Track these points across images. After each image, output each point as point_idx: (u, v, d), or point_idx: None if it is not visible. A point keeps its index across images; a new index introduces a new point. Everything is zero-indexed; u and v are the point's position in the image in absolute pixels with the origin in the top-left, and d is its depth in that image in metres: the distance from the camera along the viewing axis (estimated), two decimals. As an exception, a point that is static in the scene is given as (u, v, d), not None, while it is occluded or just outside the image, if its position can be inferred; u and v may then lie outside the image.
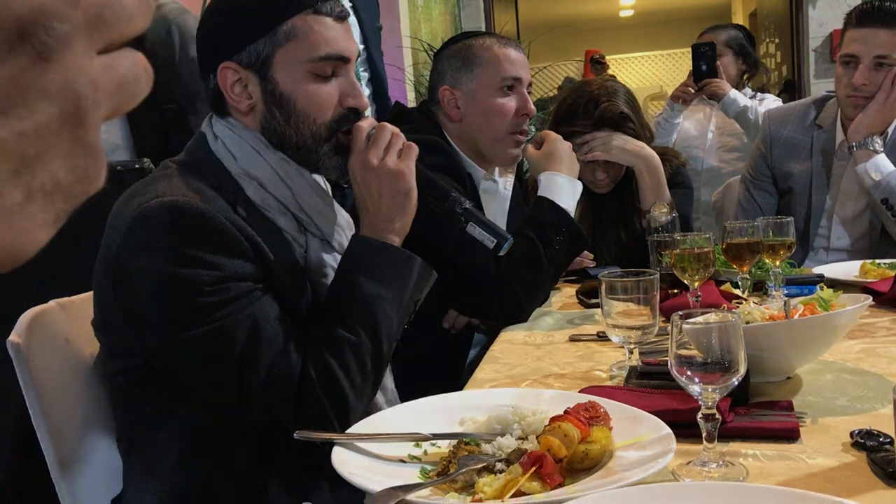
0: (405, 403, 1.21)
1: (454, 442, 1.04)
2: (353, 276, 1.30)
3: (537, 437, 0.97)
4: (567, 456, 0.94)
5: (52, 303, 1.37)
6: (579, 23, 10.36)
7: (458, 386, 1.37)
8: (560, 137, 2.01)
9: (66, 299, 1.41)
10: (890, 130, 2.32)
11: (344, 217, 1.47)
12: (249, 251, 1.23)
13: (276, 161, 1.34)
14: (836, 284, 1.84)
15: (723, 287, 1.77)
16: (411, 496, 0.87)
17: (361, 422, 1.11)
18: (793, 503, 0.76)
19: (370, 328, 1.27)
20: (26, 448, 1.35)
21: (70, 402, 1.34)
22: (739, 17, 9.36)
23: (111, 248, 1.21)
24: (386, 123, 1.38)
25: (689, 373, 0.95)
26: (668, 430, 0.97)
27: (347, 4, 1.34)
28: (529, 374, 1.43)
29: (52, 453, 1.28)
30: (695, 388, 0.95)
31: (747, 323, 1.25)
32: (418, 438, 1.06)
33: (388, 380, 1.49)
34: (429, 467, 1.01)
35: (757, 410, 1.10)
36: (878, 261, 2.03)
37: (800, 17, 5.49)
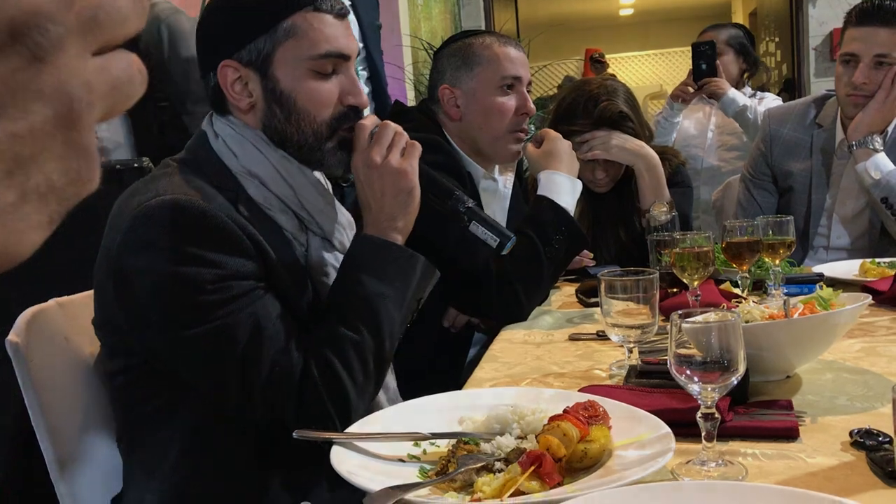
0: (404, 402, 1.21)
1: (453, 441, 1.04)
2: (355, 274, 1.30)
3: (536, 437, 0.97)
4: (566, 455, 0.94)
5: (51, 302, 1.37)
6: (579, 21, 10.36)
7: (458, 385, 1.37)
8: (560, 136, 2.01)
9: (65, 298, 1.41)
10: (890, 129, 2.32)
11: (345, 216, 1.47)
12: (251, 249, 1.23)
13: (277, 159, 1.34)
14: (836, 283, 1.85)
15: (722, 286, 1.77)
16: (410, 495, 0.87)
17: (360, 421, 1.11)
18: (792, 502, 0.76)
19: (373, 326, 1.27)
20: (26, 448, 1.35)
21: (69, 401, 1.34)
22: (739, 16, 9.36)
23: (112, 247, 1.21)
24: (389, 122, 1.38)
25: (688, 372, 0.95)
26: (667, 429, 0.97)
27: (347, 2, 1.34)
28: (529, 373, 1.43)
29: (51, 453, 1.28)
30: (694, 388, 0.95)
31: (747, 322, 1.25)
32: (417, 438, 1.06)
33: (391, 379, 1.49)
34: (428, 466, 1.01)
35: (756, 409, 1.10)
36: (877, 260, 2.03)
37: (800, 15, 5.49)
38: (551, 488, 0.89)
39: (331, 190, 1.46)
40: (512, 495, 0.87)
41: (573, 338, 1.65)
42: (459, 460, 0.96)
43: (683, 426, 0.99)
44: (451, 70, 2.00)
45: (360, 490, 0.89)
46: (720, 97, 3.36)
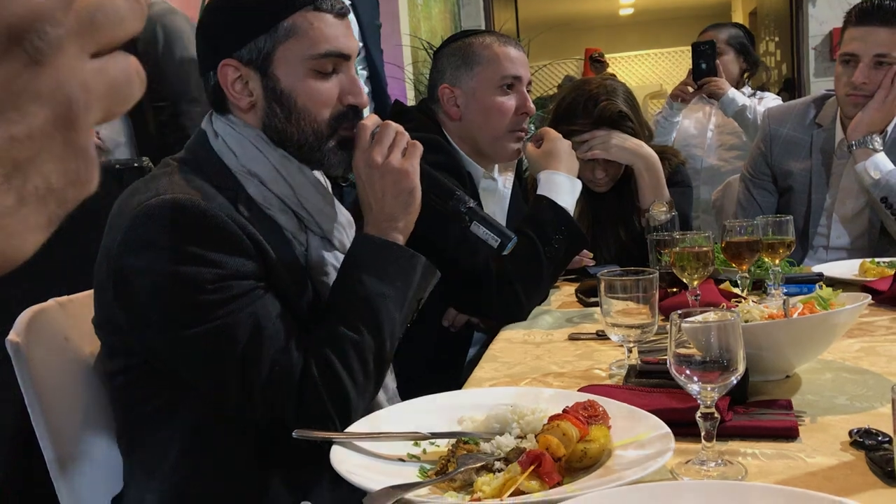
0: (404, 402, 1.21)
1: (453, 441, 1.04)
2: (356, 274, 1.30)
3: (536, 436, 0.98)
4: (566, 455, 0.94)
5: (51, 301, 1.37)
6: (579, 21, 10.37)
7: (458, 385, 1.37)
8: (559, 135, 2.01)
9: (65, 298, 1.41)
10: (889, 129, 2.32)
11: (344, 215, 1.47)
12: (251, 249, 1.23)
13: (277, 158, 1.34)
14: (836, 283, 1.85)
15: (722, 286, 1.77)
16: (410, 495, 0.87)
17: (360, 420, 1.11)
18: (792, 502, 0.76)
19: (373, 326, 1.27)
20: (26, 447, 1.36)
21: (69, 401, 1.34)
22: (739, 16, 9.36)
23: (112, 247, 1.21)
24: (390, 122, 1.38)
25: (687, 371, 0.95)
26: (666, 428, 0.97)
27: (347, 2, 1.33)
28: (528, 372, 1.43)
29: (51, 452, 1.28)
30: (694, 387, 0.95)
31: (746, 322, 1.25)
32: (417, 437, 1.06)
33: (390, 379, 1.49)
34: (427, 466, 1.01)
35: (756, 409, 1.11)
36: (877, 259, 2.03)
37: (800, 15, 5.49)
38: (551, 488, 0.89)
39: (330, 189, 1.46)
40: (512, 495, 0.88)
41: (573, 337, 1.65)
42: (459, 460, 0.97)
43: (683, 426, 0.99)
44: (451, 70, 2.00)
45: (360, 489, 0.89)
46: (720, 97, 3.36)
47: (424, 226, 1.40)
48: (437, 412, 1.14)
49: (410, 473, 0.99)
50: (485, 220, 1.44)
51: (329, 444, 1.02)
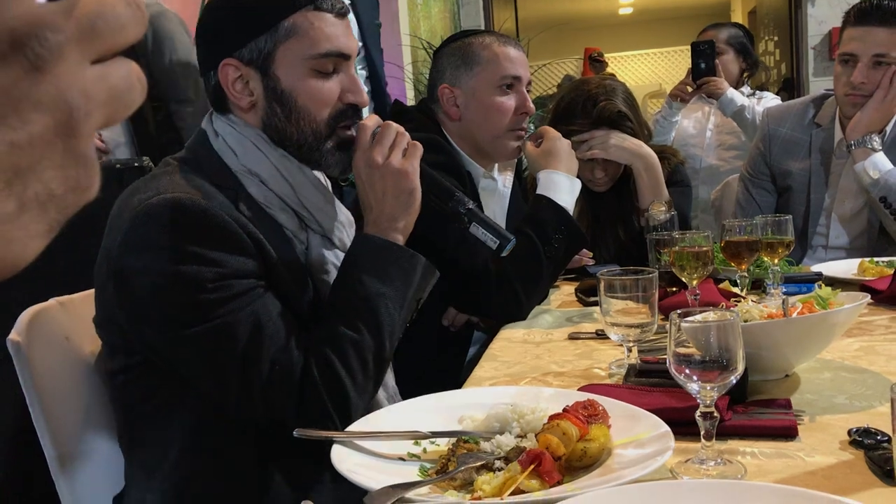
0: (404, 401, 1.21)
1: (453, 440, 1.04)
2: (356, 273, 1.30)
3: (536, 435, 0.98)
4: (566, 454, 0.95)
5: (51, 301, 1.38)
6: (578, 21, 10.36)
7: (458, 384, 1.37)
8: (559, 135, 2.01)
9: (65, 297, 1.41)
10: (888, 129, 2.32)
11: (344, 214, 1.47)
12: (251, 248, 1.23)
13: (277, 158, 1.34)
14: (835, 282, 1.85)
15: (721, 285, 1.77)
16: (410, 494, 0.88)
17: (361, 420, 1.12)
18: (791, 501, 0.77)
19: (372, 326, 1.27)
20: (26, 446, 1.36)
21: (70, 400, 1.35)
22: (738, 15, 9.36)
23: (112, 246, 1.22)
24: (391, 122, 1.38)
25: (687, 371, 0.95)
26: (666, 428, 0.97)
27: (346, 1, 1.34)
28: (528, 372, 1.44)
29: (52, 452, 1.28)
30: (693, 387, 0.95)
31: (746, 321, 1.25)
32: (417, 436, 1.06)
33: (390, 378, 1.49)
34: (428, 465, 1.01)
35: (755, 408, 1.11)
36: (876, 259, 2.03)
37: (799, 14, 5.49)
38: (551, 487, 0.89)
39: (330, 188, 1.46)
40: (512, 494, 0.88)
41: (572, 337, 1.66)
42: (459, 459, 0.97)
43: (682, 425, 0.99)
44: (451, 69, 2.00)
45: (360, 488, 0.90)
46: (719, 97, 3.36)
47: (424, 226, 1.40)
48: (437, 411, 1.14)
49: (411, 472, 0.99)
50: (484, 221, 1.44)
51: (329, 443, 1.02)
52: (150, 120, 2.59)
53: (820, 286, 1.58)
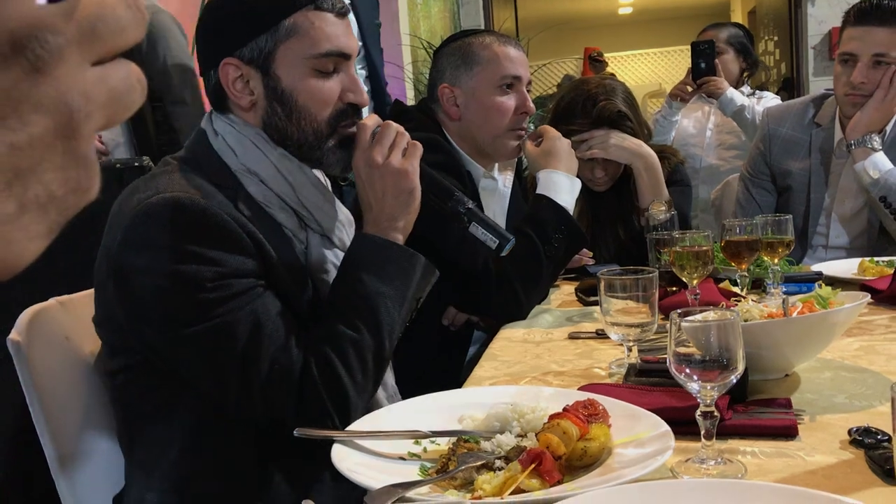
0: (404, 401, 1.21)
1: (453, 439, 1.04)
2: (356, 273, 1.30)
3: (536, 435, 0.98)
4: (566, 453, 0.95)
5: (51, 301, 1.38)
6: (578, 20, 10.36)
7: (458, 383, 1.37)
8: (559, 134, 2.01)
9: (65, 297, 1.41)
10: (888, 128, 2.32)
11: (344, 213, 1.47)
12: (251, 247, 1.24)
13: (277, 157, 1.34)
14: (835, 282, 1.85)
15: (721, 285, 1.77)
16: (410, 493, 0.88)
17: (361, 419, 1.12)
18: (791, 500, 0.77)
19: (372, 325, 1.27)
20: (26, 446, 1.36)
21: (70, 399, 1.35)
22: (738, 15, 9.36)
23: (112, 245, 1.22)
24: (391, 122, 1.38)
25: (687, 370, 0.95)
26: (666, 427, 0.97)
27: (346, 1, 1.34)
28: (528, 371, 1.44)
29: (52, 451, 1.29)
30: (693, 386, 0.95)
31: (746, 321, 1.25)
32: (418, 436, 1.06)
33: (390, 377, 1.49)
34: (428, 464, 1.01)
35: (755, 408, 1.11)
36: (876, 258, 2.03)
37: (799, 14, 5.49)
38: (551, 486, 0.89)
39: (330, 188, 1.46)
40: (512, 493, 0.88)
41: (573, 336, 1.66)
42: (460, 458, 0.97)
43: (683, 424, 0.99)
44: (451, 69, 2.00)
45: (360, 487, 0.90)
46: (719, 96, 3.36)
47: (424, 226, 1.40)
48: (437, 411, 1.14)
49: (411, 472, 0.99)
50: (483, 221, 1.44)
51: (330, 442, 1.02)
52: (149, 120, 2.59)
53: (820, 286, 1.58)
